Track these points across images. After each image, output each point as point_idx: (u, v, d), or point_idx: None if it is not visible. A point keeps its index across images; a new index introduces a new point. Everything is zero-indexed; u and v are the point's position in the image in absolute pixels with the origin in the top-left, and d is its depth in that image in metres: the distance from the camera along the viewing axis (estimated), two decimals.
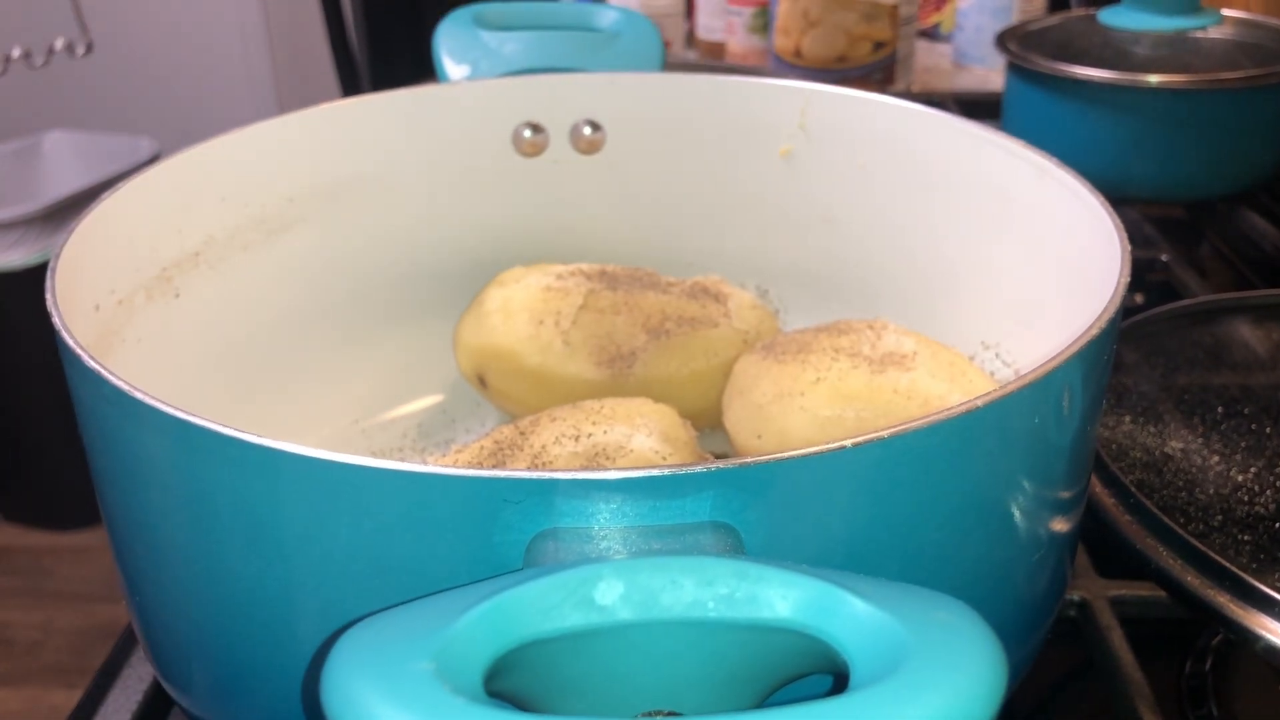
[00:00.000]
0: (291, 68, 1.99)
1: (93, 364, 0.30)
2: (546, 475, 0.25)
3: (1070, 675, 0.46)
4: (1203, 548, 0.40)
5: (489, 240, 0.56)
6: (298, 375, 0.52)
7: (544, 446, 0.41)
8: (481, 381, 0.53)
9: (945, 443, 0.29)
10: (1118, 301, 0.33)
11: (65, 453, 1.62)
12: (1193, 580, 0.40)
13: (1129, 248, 0.36)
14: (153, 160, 0.56)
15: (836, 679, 0.24)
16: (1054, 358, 0.30)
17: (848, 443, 0.27)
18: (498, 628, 0.21)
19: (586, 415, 0.43)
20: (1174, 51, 0.75)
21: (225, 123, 0.49)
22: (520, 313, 0.51)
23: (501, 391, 0.52)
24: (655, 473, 0.25)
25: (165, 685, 0.36)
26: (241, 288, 0.49)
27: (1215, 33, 0.77)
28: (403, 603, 0.23)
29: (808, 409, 0.45)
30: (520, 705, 0.23)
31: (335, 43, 1.31)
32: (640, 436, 0.42)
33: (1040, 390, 0.30)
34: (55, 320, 0.33)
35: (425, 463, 0.26)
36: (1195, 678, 0.44)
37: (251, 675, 0.31)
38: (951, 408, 0.28)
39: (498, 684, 0.22)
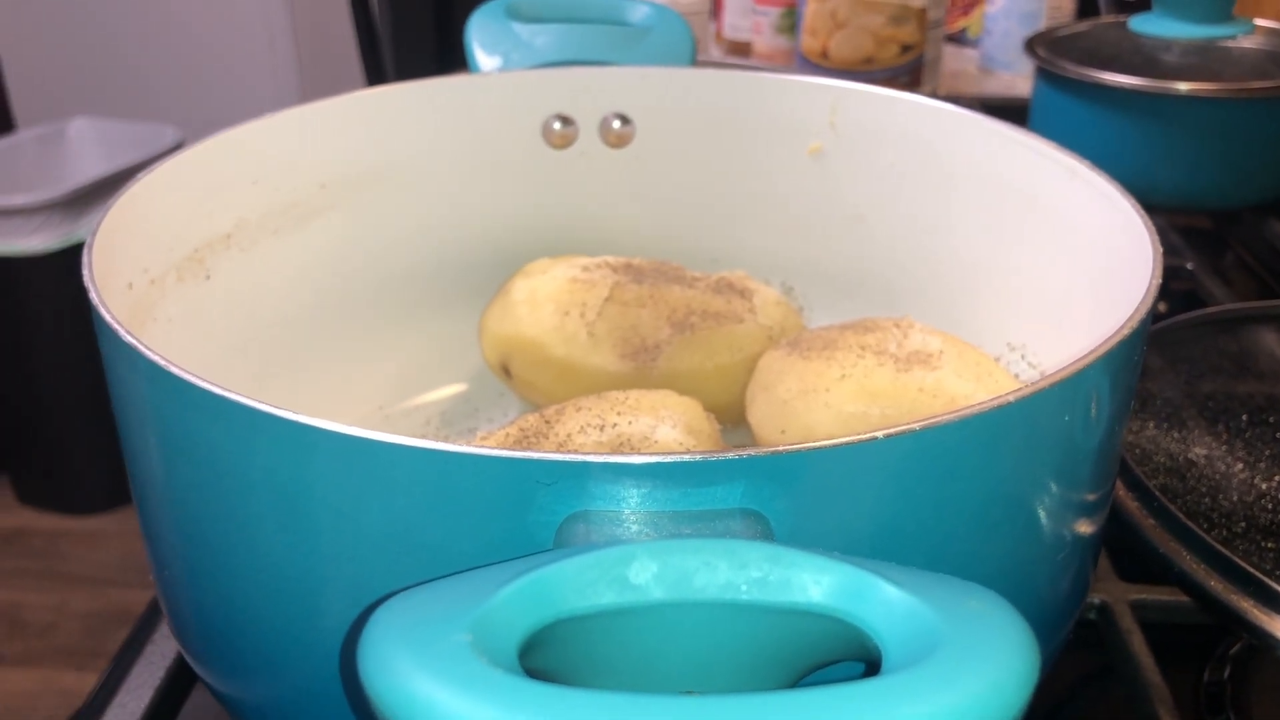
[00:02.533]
0: (316, 59, 1.99)
1: (129, 339, 0.30)
2: (580, 458, 0.25)
3: (1088, 679, 0.46)
4: (1227, 552, 0.40)
5: (516, 231, 0.56)
6: (323, 360, 0.52)
7: (569, 435, 0.41)
8: (506, 371, 0.53)
9: (975, 438, 0.29)
10: (1150, 301, 0.33)
11: (83, 437, 1.63)
12: (1216, 585, 0.40)
13: (1160, 249, 0.36)
14: (176, 148, 0.57)
15: (868, 666, 0.24)
16: (1085, 356, 0.30)
17: (879, 434, 0.27)
18: (533, 603, 0.21)
19: (612, 406, 0.43)
20: (1204, 60, 0.75)
21: (249, 112, 0.49)
22: (546, 303, 0.51)
23: (525, 381, 0.52)
24: (687, 458, 0.26)
25: (190, 661, 0.37)
26: (271, 271, 0.49)
27: (1247, 42, 0.77)
28: (438, 578, 0.23)
29: (832, 405, 0.45)
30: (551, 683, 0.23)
31: (361, 34, 1.31)
32: (665, 428, 0.42)
33: (1071, 388, 0.30)
34: (92, 295, 0.33)
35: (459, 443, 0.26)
36: (1213, 686, 0.44)
37: (278, 651, 0.31)
38: (983, 403, 0.28)
39: (530, 661, 0.22)
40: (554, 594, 0.22)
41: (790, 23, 1.11)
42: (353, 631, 0.28)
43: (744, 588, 0.22)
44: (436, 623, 0.21)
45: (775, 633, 0.23)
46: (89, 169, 1.71)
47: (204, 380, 0.28)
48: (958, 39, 1.24)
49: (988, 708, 0.19)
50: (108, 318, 0.32)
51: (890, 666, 0.21)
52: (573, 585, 0.22)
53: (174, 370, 0.29)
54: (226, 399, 0.28)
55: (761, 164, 0.56)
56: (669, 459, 0.25)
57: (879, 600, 0.22)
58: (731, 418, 0.51)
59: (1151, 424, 0.50)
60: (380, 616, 0.21)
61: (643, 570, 0.22)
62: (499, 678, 0.19)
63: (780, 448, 0.26)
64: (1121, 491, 0.45)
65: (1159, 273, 0.35)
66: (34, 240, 1.52)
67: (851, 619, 0.22)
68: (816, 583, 0.22)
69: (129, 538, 1.65)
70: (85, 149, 1.78)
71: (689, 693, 0.23)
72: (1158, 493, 0.43)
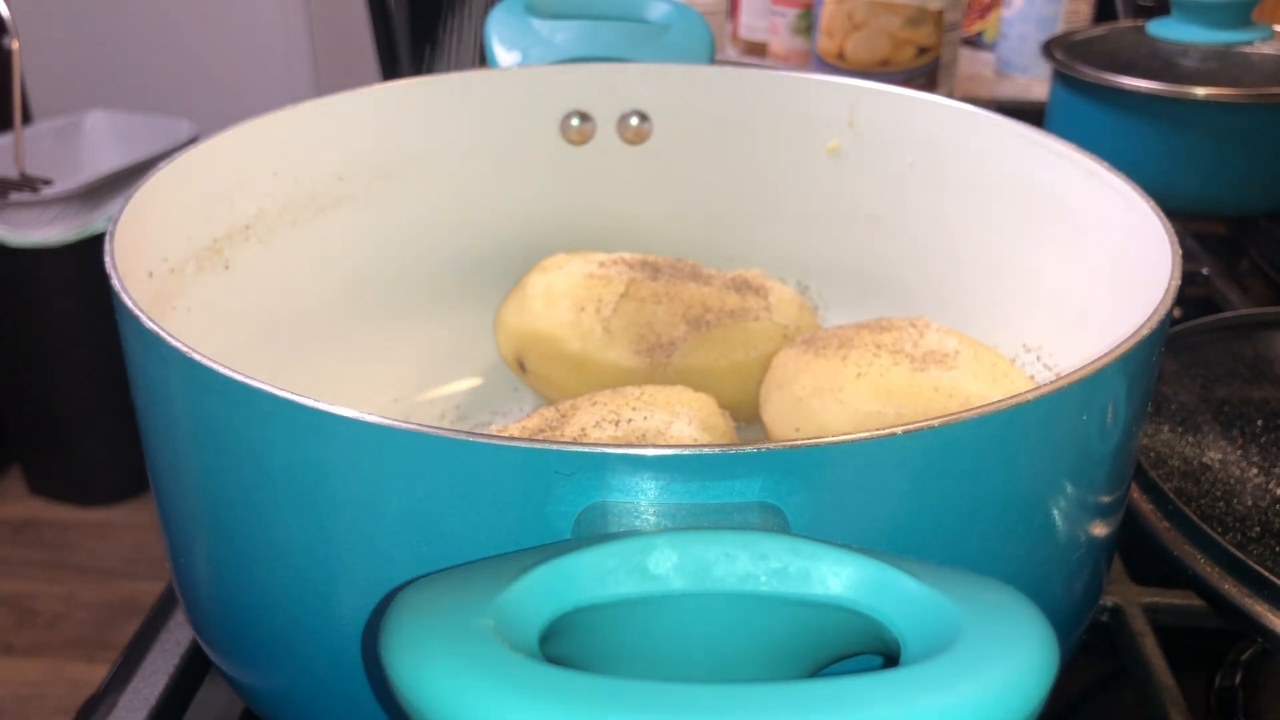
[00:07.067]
0: (331, 55, 2.00)
1: (150, 325, 0.31)
2: (599, 449, 0.25)
3: (1100, 682, 0.46)
4: (1242, 556, 0.40)
5: (533, 226, 0.57)
6: (339, 352, 0.52)
7: (584, 429, 0.41)
8: (521, 365, 0.53)
9: (994, 436, 0.29)
10: (1169, 302, 0.33)
11: (95, 428, 1.64)
12: (1230, 588, 0.40)
13: (1180, 250, 0.36)
14: (191, 141, 0.57)
15: (886, 659, 0.24)
16: (1104, 356, 0.30)
17: (898, 430, 0.27)
18: (553, 591, 0.22)
19: (627, 400, 0.43)
20: (1222, 65, 0.75)
21: (263, 107, 0.49)
22: (562, 298, 0.52)
23: (541, 376, 0.53)
24: (707, 451, 0.26)
25: (206, 649, 0.37)
26: (289, 262, 0.50)
27: (1265, 47, 0.76)
28: (460, 565, 0.23)
29: (847, 404, 0.45)
30: None
31: (378, 30, 1.32)
32: (680, 424, 0.42)
33: (1089, 388, 0.30)
34: (114, 281, 0.33)
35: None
36: (1225, 690, 0.44)
37: (295, 638, 0.31)
38: (1002, 400, 0.28)
39: (549, 649, 0.22)
40: (574, 582, 0.22)
41: (807, 24, 1.11)
42: (374, 617, 0.29)
43: (763, 579, 0.22)
44: (459, 608, 0.21)
45: (794, 624, 0.23)
46: (104, 161, 1.72)
47: (225, 366, 0.28)
48: (974, 42, 1.24)
49: (1008, 699, 0.19)
50: (129, 303, 0.32)
51: (909, 659, 0.21)
52: (593, 574, 0.22)
53: (195, 356, 0.29)
54: (247, 385, 0.28)
55: (779, 162, 0.56)
56: (688, 451, 0.25)
57: (898, 593, 0.22)
58: (745, 415, 0.51)
59: (1166, 428, 0.50)
60: (403, 601, 0.21)
61: (663, 560, 0.22)
62: (522, 663, 0.19)
63: (800, 441, 0.26)
64: (1136, 494, 0.44)
65: (1178, 274, 0.35)
66: (49, 232, 1.53)
67: (870, 611, 0.22)
68: (836, 575, 0.22)
69: (139, 530, 1.66)
70: (101, 141, 1.78)
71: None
72: (1172, 496, 0.43)
